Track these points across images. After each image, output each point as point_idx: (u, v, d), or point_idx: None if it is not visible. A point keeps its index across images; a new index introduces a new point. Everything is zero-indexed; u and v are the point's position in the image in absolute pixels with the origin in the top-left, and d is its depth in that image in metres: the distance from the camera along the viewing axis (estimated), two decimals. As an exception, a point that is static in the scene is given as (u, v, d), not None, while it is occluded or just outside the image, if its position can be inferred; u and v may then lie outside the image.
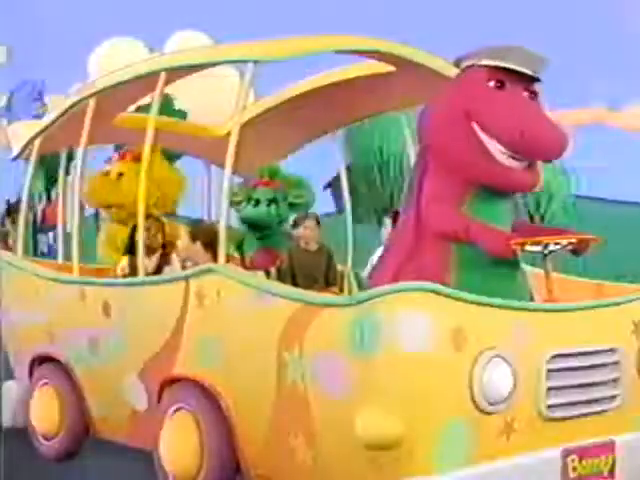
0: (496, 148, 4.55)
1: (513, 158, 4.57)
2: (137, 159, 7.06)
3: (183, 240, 5.82)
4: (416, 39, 5.73)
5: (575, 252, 4.78)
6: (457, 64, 4.86)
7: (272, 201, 6.51)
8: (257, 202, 6.53)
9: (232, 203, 6.12)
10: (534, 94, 4.69)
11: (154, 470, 5.38)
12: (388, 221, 6.44)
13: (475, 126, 4.56)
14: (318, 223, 6.57)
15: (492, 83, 4.62)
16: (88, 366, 6.11)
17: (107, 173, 7.06)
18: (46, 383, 6.47)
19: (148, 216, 6.35)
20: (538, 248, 4.64)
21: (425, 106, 4.90)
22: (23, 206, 7.16)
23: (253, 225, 6.50)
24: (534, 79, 4.69)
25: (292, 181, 6.70)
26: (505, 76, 4.62)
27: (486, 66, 4.65)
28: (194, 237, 5.72)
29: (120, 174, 7.10)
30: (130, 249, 6.26)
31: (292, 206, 6.59)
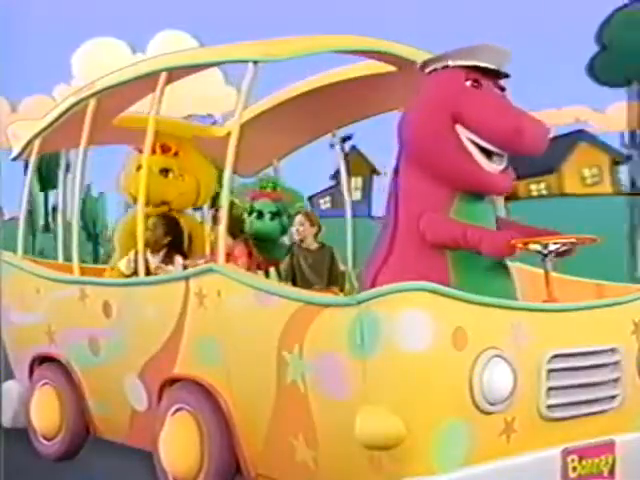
0: (477, 151, 4.58)
1: (491, 160, 4.61)
2: (176, 154, 7.01)
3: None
4: (415, 39, 5.73)
5: (563, 254, 4.79)
6: (423, 66, 4.87)
7: (275, 214, 6.49)
8: (260, 214, 6.49)
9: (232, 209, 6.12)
10: (503, 90, 4.75)
11: (154, 470, 5.39)
12: None
13: (459, 128, 4.58)
14: (311, 221, 6.52)
15: (469, 83, 4.66)
16: (88, 366, 6.11)
17: (149, 169, 6.98)
18: (46, 383, 6.48)
19: (162, 214, 6.37)
20: (539, 248, 4.65)
21: (404, 112, 4.91)
22: (23, 206, 7.15)
23: (258, 238, 6.44)
24: (501, 75, 4.75)
25: (291, 193, 6.67)
26: (479, 75, 4.67)
27: (460, 67, 4.69)
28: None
29: (165, 170, 6.99)
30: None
31: (291, 218, 6.56)
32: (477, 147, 4.59)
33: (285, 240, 6.76)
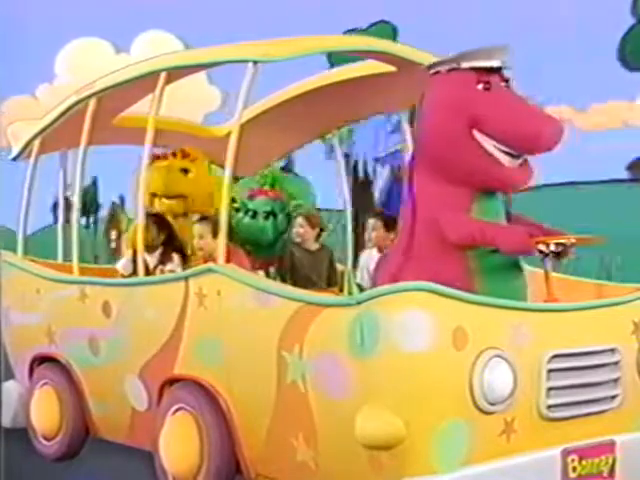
0: (497, 150, 4.57)
1: (511, 157, 4.61)
2: (194, 160, 7.09)
3: (206, 237, 5.81)
4: (416, 39, 5.72)
5: (558, 255, 4.79)
6: (430, 67, 4.86)
7: (269, 214, 6.42)
8: (254, 214, 6.42)
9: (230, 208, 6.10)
10: (507, 81, 4.75)
11: (154, 470, 5.39)
12: (373, 221, 6.40)
13: (476, 133, 4.58)
14: (311, 223, 6.50)
15: (481, 86, 4.66)
16: (88, 366, 6.11)
17: (170, 167, 7.04)
18: (46, 383, 6.47)
19: (152, 214, 6.36)
20: (542, 247, 4.65)
21: (419, 115, 4.91)
22: (23, 207, 7.14)
23: (249, 239, 6.38)
24: (504, 69, 4.75)
25: (293, 190, 6.62)
26: (487, 75, 4.67)
27: (470, 69, 4.68)
28: (215, 233, 5.62)
29: (184, 169, 7.07)
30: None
31: (290, 217, 6.51)
32: (497, 148, 4.59)
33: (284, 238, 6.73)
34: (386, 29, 21.91)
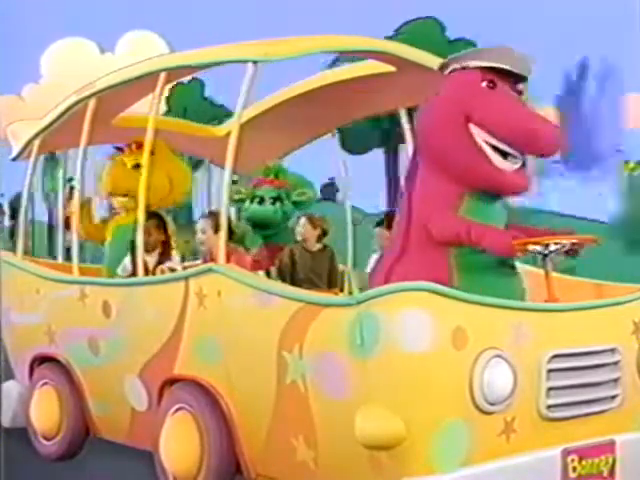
0: (489, 146, 4.57)
1: (504, 157, 4.60)
2: (151, 152, 7.03)
3: (207, 232, 5.81)
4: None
5: (569, 254, 4.79)
6: (443, 67, 4.86)
7: (276, 199, 6.52)
8: (261, 200, 6.52)
9: (234, 201, 6.12)
10: (520, 93, 4.74)
11: (154, 470, 5.39)
12: (378, 230, 6.48)
13: (473, 128, 4.58)
14: (313, 224, 6.55)
15: (485, 84, 4.65)
16: (88, 366, 6.11)
17: (123, 163, 7.03)
18: (46, 383, 6.48)
19: (150, 214, 6.36)
20: (539, 248, 4.65)
21: (420, 110, 4.92)
22: (23, 206, 7.15)
23: (258, 224, 6.48)
24: (519, 79, 4.73)
25: (295, 180, 6.70)
26: (495, 76, 4.65)
27: (478, 67, 4.68)
28: (217, 229, 5.65)
29: (137, 165, 7.03)
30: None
31: (296, 204, 6.60)
32: (491, 147, 4.58)
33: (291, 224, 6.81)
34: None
